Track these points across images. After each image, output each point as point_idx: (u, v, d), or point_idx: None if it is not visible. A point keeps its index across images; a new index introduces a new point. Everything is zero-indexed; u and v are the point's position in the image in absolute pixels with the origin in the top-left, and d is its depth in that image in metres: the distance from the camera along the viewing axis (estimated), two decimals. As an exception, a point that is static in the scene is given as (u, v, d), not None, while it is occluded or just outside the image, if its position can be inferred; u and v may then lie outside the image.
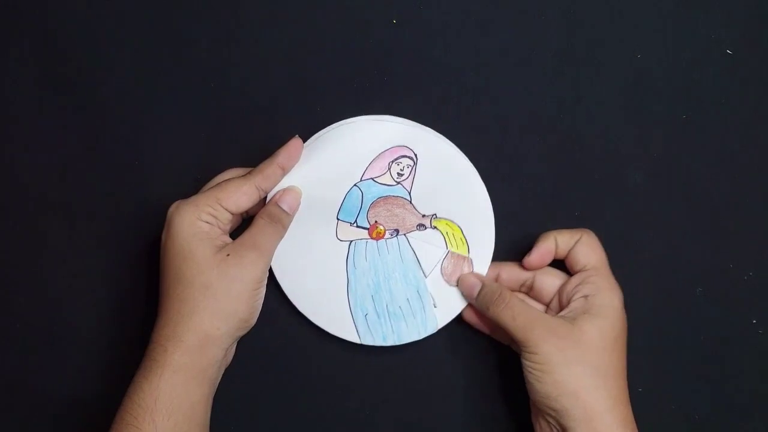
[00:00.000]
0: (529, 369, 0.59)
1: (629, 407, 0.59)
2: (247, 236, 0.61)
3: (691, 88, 0.67)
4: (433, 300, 0.65)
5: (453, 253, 0.65)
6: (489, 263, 0.65)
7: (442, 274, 0.65)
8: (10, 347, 0.67)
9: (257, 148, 0.64)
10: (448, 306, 0.65)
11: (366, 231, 0.65)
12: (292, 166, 0.63)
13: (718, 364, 0.67)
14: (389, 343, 0.65)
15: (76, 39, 0.67)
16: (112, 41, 0.67)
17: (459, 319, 0.66)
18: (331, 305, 0.65)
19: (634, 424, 0.59)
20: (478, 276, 0.64)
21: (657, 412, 0.61)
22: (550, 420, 0.59)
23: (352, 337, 0.65)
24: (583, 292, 0.61)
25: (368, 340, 0.65)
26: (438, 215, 0.65)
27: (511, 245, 0.66)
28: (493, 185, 0.65)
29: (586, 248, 0.62)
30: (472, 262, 0.65)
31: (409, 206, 0.65)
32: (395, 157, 0.64)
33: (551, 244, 0.63)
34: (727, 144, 0.67)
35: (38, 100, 0.67)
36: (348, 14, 0.67)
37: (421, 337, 0.65)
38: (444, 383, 0.67)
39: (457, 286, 0.65)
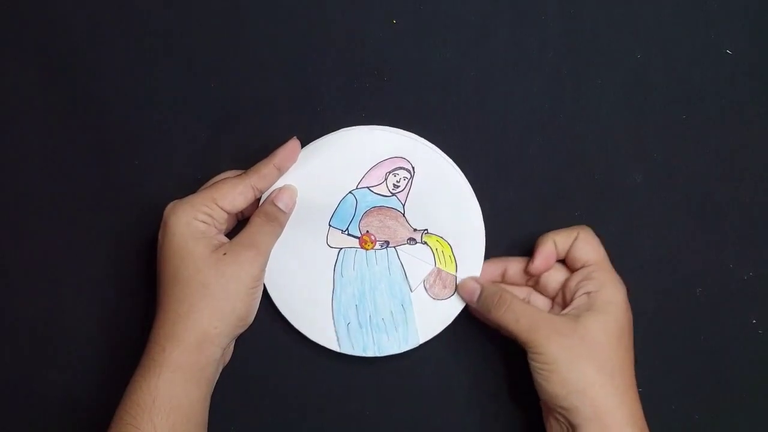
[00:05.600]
0: (536, 369, 0.59)
1: (638, 402, 0.59)
2: (243, 235, 0.62)
3: (691, 88, 0.67)
4: (417, 314, 0.65)
5: (440, 269, 0.65)
6: None
7: (424, 285, 0.65)
8: (10, 347, 0.68)
9: (256, 149, 0.64)
10: (431, 323, 0.65)
11: (356, 240, 0.65)
12: (289, 167, 0.63)
13: (718, 364, 0.67)
14: (369, 354, 0.65)
15: (76, 39, 0.68)
16: (112, 41, 0.67)
17: (468, 315, 0.65)
18: (315, 311, 0.65)
19: (644, 420, 0.59)
20: (477, 280, 0.64)
21: (657, 412, 0.61)
22: (560, 418, 0.59)
23: (331, 344, 0.65)
24: (586, 288, 0.61)
25: (347, 349, 0.65)
26: (429, 231, 0.65)
27: (511, 246, 0.66)
28: (493, 184, 0.65)
29: (584, 245, 0.62)
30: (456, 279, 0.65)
31: (401, 219, 0.65)
32: (393, 168, 0.64)
33: (552, 246, 0.63)
34: (727, 144, 0.67)
35: (38, 100, 0.68)
36: (348, 14, 0.67)
37: (401, 351, 0.65)
38: (449, 385, 0.67)
39: (456, 292, 0.65)
